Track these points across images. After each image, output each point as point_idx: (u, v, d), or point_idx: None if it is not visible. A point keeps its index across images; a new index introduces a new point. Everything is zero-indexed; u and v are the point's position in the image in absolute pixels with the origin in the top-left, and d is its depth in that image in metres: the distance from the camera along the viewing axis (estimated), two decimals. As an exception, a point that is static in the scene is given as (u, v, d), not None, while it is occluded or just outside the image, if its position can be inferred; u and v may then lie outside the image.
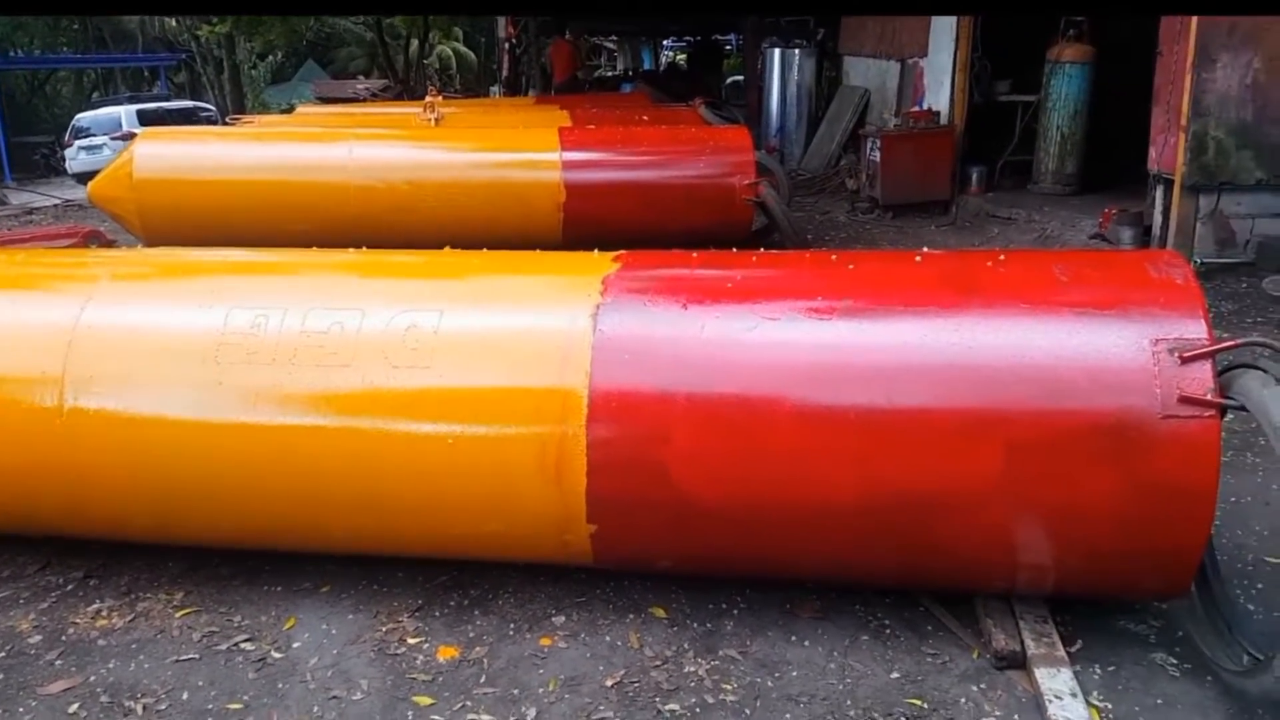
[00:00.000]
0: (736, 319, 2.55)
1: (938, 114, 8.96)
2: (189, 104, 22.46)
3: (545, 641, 2.72)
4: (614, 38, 26.53)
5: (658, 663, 2.61)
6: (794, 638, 2.71)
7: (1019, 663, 2.53)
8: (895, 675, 2.55)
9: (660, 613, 2.83)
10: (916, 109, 9.21)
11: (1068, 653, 2.54)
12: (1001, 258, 2.67)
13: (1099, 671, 2.52)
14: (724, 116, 8.77)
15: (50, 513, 2.98)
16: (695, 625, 2.78)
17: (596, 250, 2.93)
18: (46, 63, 28.75)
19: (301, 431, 2.68)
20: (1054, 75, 8.31)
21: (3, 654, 2.70)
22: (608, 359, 2.55)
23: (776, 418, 2.46)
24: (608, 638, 2.73)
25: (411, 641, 2.73)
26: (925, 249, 2.95)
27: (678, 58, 28.69)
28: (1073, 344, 2.32)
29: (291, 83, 30.63)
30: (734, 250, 2.92)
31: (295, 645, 2.72)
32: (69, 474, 2.80)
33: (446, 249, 3.08)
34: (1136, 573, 2.46)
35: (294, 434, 2.68)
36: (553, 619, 2.82)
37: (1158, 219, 6.56)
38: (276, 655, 2.68)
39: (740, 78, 19.38)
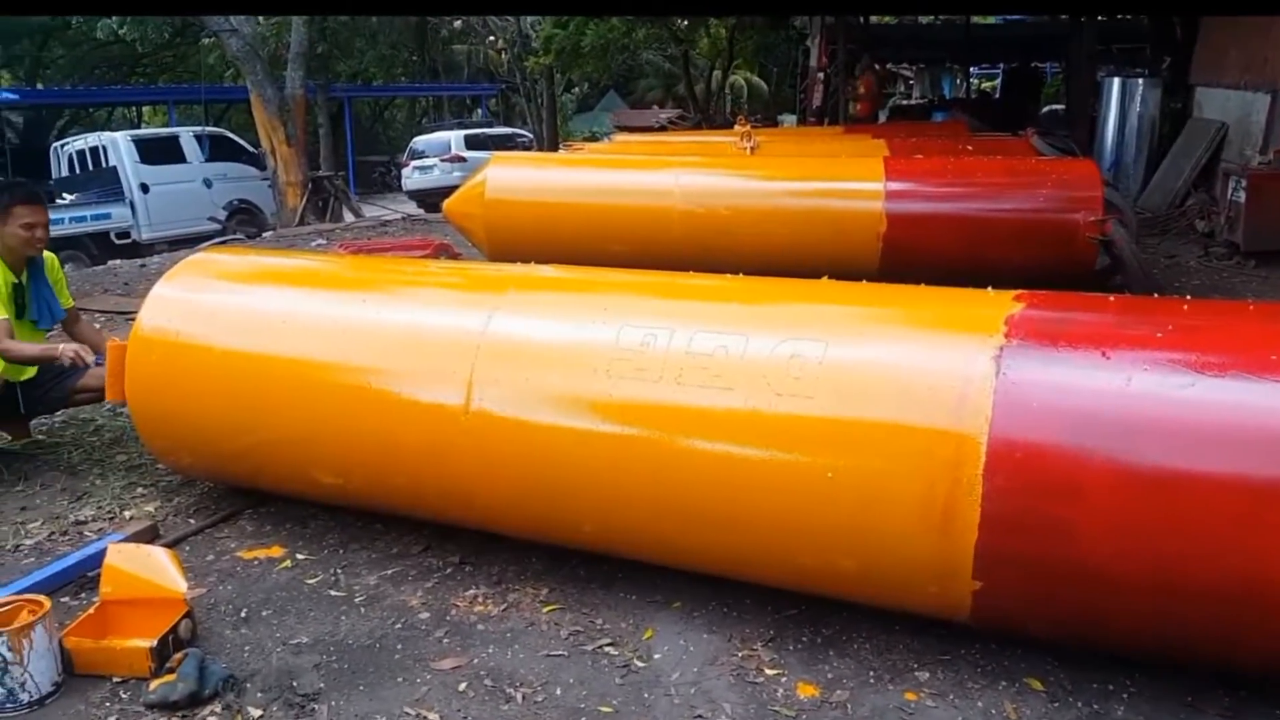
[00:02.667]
0: (1169, 373, 2.29)
1: (1320, 151, 7.85)
2: (508, 130, 24.55)
3: (911, 696, 2.57)
4: (919, 65, 25.80)
5: (1041, 740, 2.39)
6: (1202, 737, 2.39)
7: None
8: (1343, 804, 2.17)
9: (1036, 684, 2.60)
10: (1292, 145, 8.12)
11: None
12: None
13: None
14: (1059, 148, 8.17)
15: (439, 500, 3.25)
16: (1079, 704, 2.52)
17: (991, 289, 2.77)
18: (387, 91, 32.52)
19: (682, 449, 2.73)
20: None
21: (399, 626, 2.96)
22: (1012, 405, 2.38)
23: (1218, 487, 2.17)
24: (980, 703, 2.54)
25: (769, 672, 2.68)
26: None
27: (982, 85, 27.41)
28: None
29: (594, 111, 32.70)
30: (1156, 295, 2.63)
31: (656, 656, 2.77)
32: (464, 467, 3.04)
33: (825, 278, 3.04)
34: None
35: (674, 450, 2.74)
36: (916, 673, 2.67)
37: None
38: (639, 664, 2.73)
39: (1058, 107, 18.14)
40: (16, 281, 4.19)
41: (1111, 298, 2.61)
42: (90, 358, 4.01)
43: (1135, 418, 2.27)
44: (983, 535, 2.38)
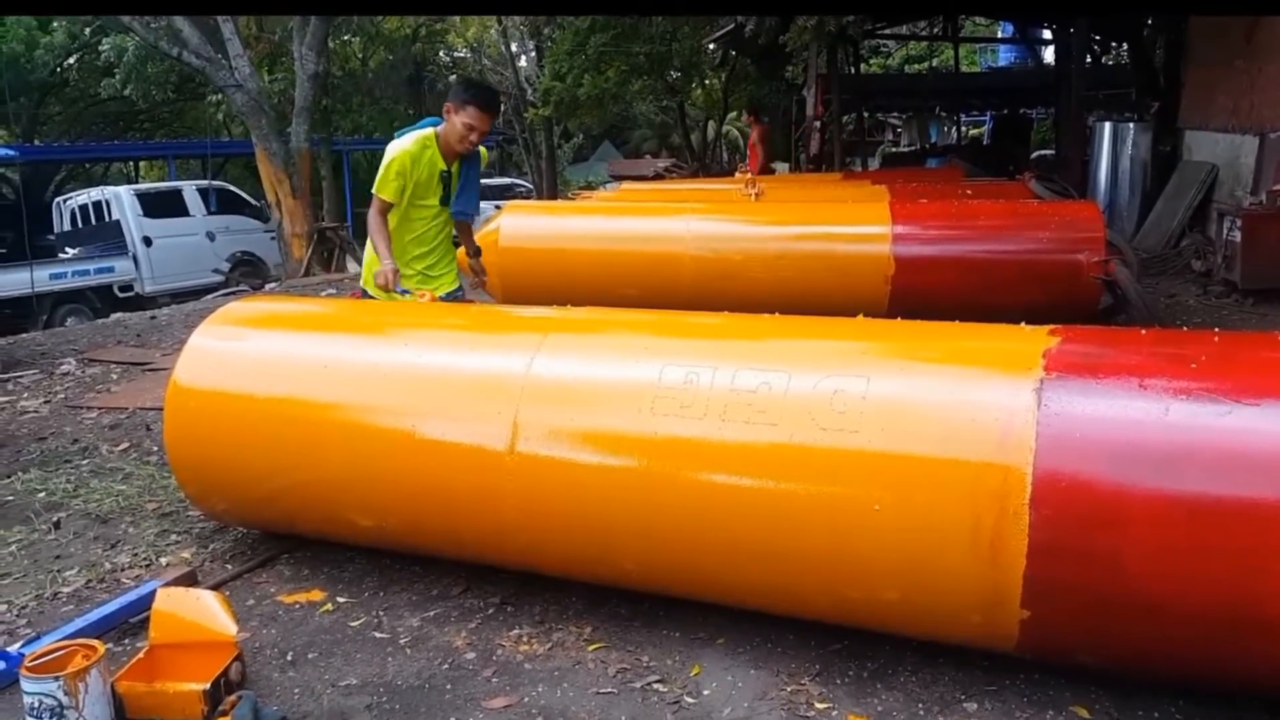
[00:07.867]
0: (1206, 402, 2.37)
1: (1312, 190, 8.02)
2: (507, 180, 24.84)
3: (960, 726, 2.61)
4: (906, 114, 26.34)
5: (1092, 767, 2.43)
6: (1252, 761, 2.42)
7: None
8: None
9: (1083, 712, 2.63)
10: (1284, 185, 8.29)
11: None
12: None
13: None
14: (1056, 191, 8.36)
15: (480, 541, 3.28)
16: (1127, 731, 2.56)
17: (1025, 324, 2.86)
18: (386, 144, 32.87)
19: (726, 485, 2.79)
20: None
21: (446, 666, 2.98)
22: (1055, 437, 2.45)
23: (1257, 512, 2.23)
24: (1029, 732, 2.58)
25: (819, 706, 2.71)
26: None
27: (970, 132, 27.91)
28: None
29: (589, 161, 33.15)
30: (1184, 329, 2.72)
31: (705, 693, 2.79)
32: (507, 508, 3.08)
33: (860, 316, 3.12)
34: None
35: (719, 486, 2.80)
36: (964, 704, 2.70)
37: None
38: (690, 700, 2.76)
39: (1047, 151, 18.52)
40: (445, 169, 4.55)
41: (1143, 331, 2.70)
42: (395, 287, 4.29)
43: (1172, 446, 2.35)
44: (1031, 565, 2.44)
